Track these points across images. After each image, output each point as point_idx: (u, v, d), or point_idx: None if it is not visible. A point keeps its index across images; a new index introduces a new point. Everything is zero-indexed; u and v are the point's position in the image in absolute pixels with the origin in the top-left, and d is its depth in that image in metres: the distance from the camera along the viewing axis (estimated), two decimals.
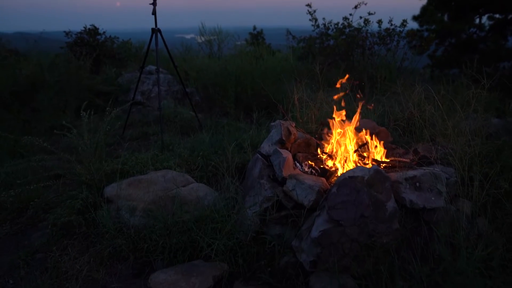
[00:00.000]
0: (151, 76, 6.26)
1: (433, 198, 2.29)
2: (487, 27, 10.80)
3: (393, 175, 2.39)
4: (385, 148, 2.87)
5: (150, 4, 4.16)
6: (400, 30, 6.41)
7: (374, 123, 3.23)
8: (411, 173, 2.42)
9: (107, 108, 3.50)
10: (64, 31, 7.64)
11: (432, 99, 3.95)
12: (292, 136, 2.83)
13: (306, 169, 2.69)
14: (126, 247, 2.50)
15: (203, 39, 8.80)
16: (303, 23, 7.91)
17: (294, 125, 2.90)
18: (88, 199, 2.91)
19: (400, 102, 4.15)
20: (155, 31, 4.27)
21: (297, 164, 2.75)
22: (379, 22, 6.54)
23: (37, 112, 5.77)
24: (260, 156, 2.78)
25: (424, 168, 2.50)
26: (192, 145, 4.04)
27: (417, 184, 2.35)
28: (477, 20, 11.01)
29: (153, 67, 6.39)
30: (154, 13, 4.10)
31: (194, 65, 6.03)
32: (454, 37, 11.06)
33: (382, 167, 2.68)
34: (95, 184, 3.08)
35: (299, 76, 5.71)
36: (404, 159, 2.75)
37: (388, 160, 2.78)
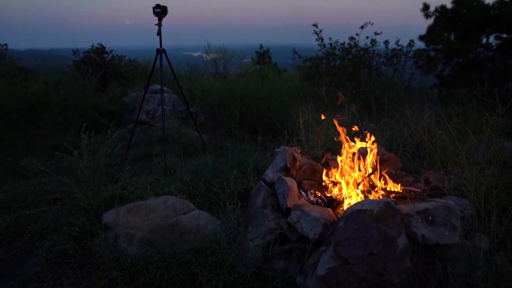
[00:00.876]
0: (156, 95, 6.23)
1: (447, 233, 2.15)
2: (495, 47, 10.74)
3: (404, 208, 2.26)
4: (394, 175, 2.75)
5: (155, 24, 4.15)
6: (407, 50, 6.35)
7: (383, 148, 3.11)
8: (422, 205, 2.29)
9: (108, 131, 3.43)
10: (72, 50, 7.70)
11: (442, 123, 3.84)
12: (297, 163, 2.72)
13: (311, 198, 2.57)
14: (122, 280, 2.38)
15: (209, 57, 8.83)
16: (310, 41, 7.89)
17: (299, 151, 2.80)
18: (85, 225, 2.81)
19: (409, 125, 4.05)
20: (160, 51, 4.25)
21: (302, 192, 2.63)
22: (386, 42, 6.50)
23: (41, 130, 5.76)
24: (263, 184, 2.67)
25: (436, 200, 2.37)
26: (195, 168, 3.96)
27: (430, 217, 2.22)
28: (484, 40, 10.96)
29: (158, 86, 6.38)
30: (159, 34, 4.08)
31: (200, 85, 6.00)
32: (461, 56, 11.00)
33: (391, 197, 2.56)
34: (93, 210, 2.99)
35: (304, 97, 5.64)
36: (414, 189, 2.62)
37: (399, 190, 2.65)
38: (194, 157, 4.79)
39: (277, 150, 2.80)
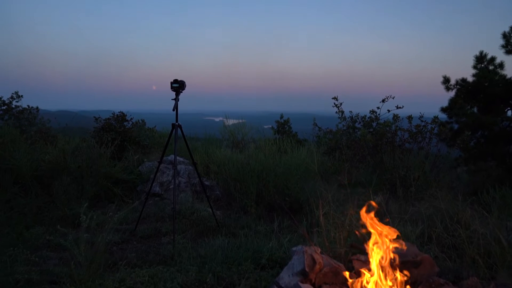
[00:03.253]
0: (171, 166, 6.11)
1: None
2: None
3: None
4: (431, 285, 2.35)
5: (172, 99, 4.10)
6: (432, 127, 6.13)
7: (415, 247, 2.74)
8: None
9: (109, 214, 3.20)
10: (94, 116, 7.85)
11: (480, 211, 3.47)
12: (317, 266, 2.38)
13: None
14: None
15: (230, 122, 8.86)
16: (330, 108, 7.80)
17: (319, 251, 2.46)
18: None
19: (441, 212, 3.68)
20: (175, 126, 4.16)
21: None
22: (409, 118, 6.33)
23: (53, 197, 5.64)
24: None
25: None
26: (205, 253, 3.63)
27: None
28: (509, 113, 10.69)
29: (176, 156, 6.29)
30: (174, 109, 4.01)
31: (216, 158, 5.86)
32: (486, 129, 10.68)
33: None
34: None
35: (325, 174, 5.37)
36: None
37: None
38: (206, 236, 4.49)
39: (294, 249, 2.47)
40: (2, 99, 9.71)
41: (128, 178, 6.16)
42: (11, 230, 4.34)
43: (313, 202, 3.94)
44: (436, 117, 6.25)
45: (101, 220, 4.61)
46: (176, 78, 4.01)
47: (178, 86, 4.00)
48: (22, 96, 10.11)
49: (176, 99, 4.00)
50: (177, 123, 4.12)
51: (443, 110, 11.18)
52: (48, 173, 6.01)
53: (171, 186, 5.81)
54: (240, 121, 9.73)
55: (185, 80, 4.09)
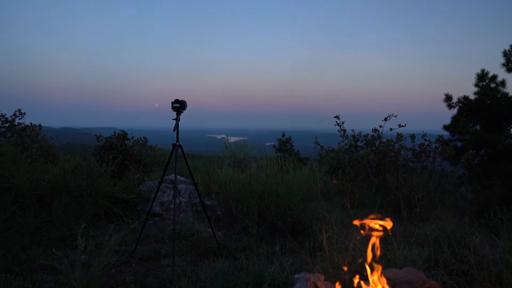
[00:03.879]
0: (172, 186, 6.04)
1: None
2: None
3: None
4: None
5: (173, 119, 4.06)
6: (436, 146, 6.06)
7: (422, 273, 2.64)
8: None
9: (106, 238, 3.13)
10: (95, 135, 7.83)
11: (488, 234, 3.37)
12: None
13: None
14: None
15: (231, 140, 8.82)
16: (332, 125, 7.75)
17: (323, 278, 2.37)
18: None
19: (448, 234, 3.58)
20: (176, 146, 4.11)
21: None
22: (412, 136, 6.28)
23: (52, 217, 5.56)
24: None
25: None
26: (205, 277, 3.53)
27: None
28: None
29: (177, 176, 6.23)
30: (175, 129, 3.98)
31: (217, 178, 5.78)
32: (489, 147, 10.60)
33: None
34: None
35: (327, 194, 5.29)
36: None
37: None
38: (207, 259, 4.40)
39: (296, 276, 2.38)
40: (5, 116, 9.74)
41: (128, 197, 6.09)
42: (7, 251, 4.25)
43: (316, 224, 3.87)
44: (440, 136, 6.19)
45: (100, 241, 4.53)
46: (177, 98, 3.99)
47: (179, 106, 3.97)
48: (25, 113, 10.15)
49: (177, 119, 3.97)
50: (177, 143, 4.07)
51: (445, 127, 11.13)
52: (48, 192, 5.95)
53: (172, 206, 5.73)
54: (242, 138, 9.70)
55: (186, 100, 4.07)
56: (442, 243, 3.26)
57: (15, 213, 5.45)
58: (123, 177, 6.84)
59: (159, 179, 4.51)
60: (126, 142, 7.54)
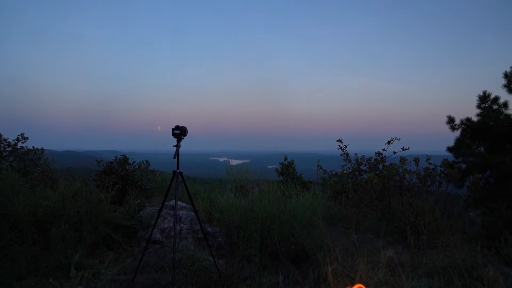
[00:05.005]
0: (173, 211, 5.93)
1: None
2: None
3: None
4: None
5: (173, 146, 4.01)
6: (441, 170, 5.96)
7: None
8: None
9: (102, 271, 3.02)
10: (96, 160, 7.78)
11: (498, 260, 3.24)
12: None
13: None
14: None
15: (234, 163, 8.75)
16: (335, 147, 7.65)
17: None
18: None
19: (457, 264, 3.44)
20: (176, 173, 4.05)
21: None
22: (416, 160, 6.19)
23: (50, 244, 5.44)
24: None
25: None
26: None
27: None
28: None
29: (178, 203, 6.13)
30: (175, 156, 3.91)
31: (219, 205, 5.68)
32: (494, 169, 10.46)
33: None
34: None
35: (331, 220, 5.18)
36: None
37: None
38: None
39: None
40: (8, 140, 9.74)
41: (128, 224, 5.97)
42: (1, 282, 4.13)
43: (320, 252, 3.74)
44: (445, 160, 6.10)
45: (98, 270, 4.40)
46: (177, 125, 3.95)
47: (179, 132, 3.93)
48: (27, 138, 10.15)
49: (178, 146, 3.91)
50: (178, 170, 4.01)
51: (449, 149, 11.02)
52: (47, 218, 5.85)
53: (172, 233, 5.60)
54: (244, 161, 9.62)
55: (186, 126, 4.03)
56: (452, 273, 3.13)
57: (12, 241, 5.34)
58: (124, 203, 6.73)
59: (158, 211, 4.42)
60: (127, 167, 7.48)
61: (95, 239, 5.72)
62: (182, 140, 4.00)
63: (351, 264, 3.00)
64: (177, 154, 3.91)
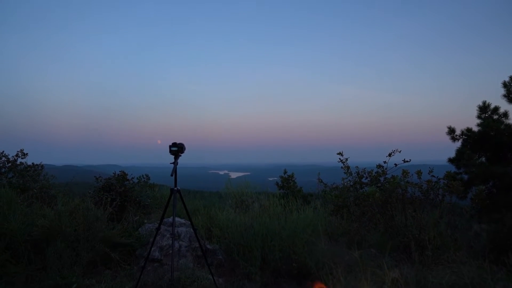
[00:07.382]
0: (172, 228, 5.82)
1: None
2: None
3: None
4: None
5: (171, 163, 3.94)
6: (444, 183, 5.86)
7: None
8: None
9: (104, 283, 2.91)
10: (95, 176, 7.69)
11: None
12: None
13: None
14: None
15: (234, 175, 8.65)
16: (335, 159, 7.56)
17: None
18: None
19: (465, 282, 3.34)
20: (174, 191, 3.97)
21: None
22: (419, 173, 6.10)
23: (46, 263, 5.32)
24: None
25: None
26: None
27: None
28: None
29: (177, 219, 6.01)
30: (173, 174, 3.84)
31: (218, 221, 5.58)
32: (496, 179, 10.36)
33: None
34: None
35: (332, 235, 5.09)
36: None
37: None
38: None
39: None
40: (7, 156, 9.66)
41: (126, 241, 5.85)
42: None
43: (322, 269, 3.64)
44: (449, 172, 6.01)
45: None
46: (174, 142, 3.89)
47: (177, 149, 3.86)
48: (27, 154, 10.07)
49: (175, 163, 3.84)
50: (175, 188, 3.93)
51: (450, 160, 10.94)
52: (43, 237, 5.73)
53: (171, 251, 5.49)
54: (245, 174, 9.51)
55: (184, 143, 3.96)
56: (453, 281, 3.03)
57: (7, 261, 5.23)
58: (122, 220, 6.62)
59: (156, 229, 4.34)
60: (125, 183, 7.38)
61: (92, 258, 5.59)
62: (180, 157, 3.93)
63: (354, 285, 2.90)
64: (174, 171, 3.83)
